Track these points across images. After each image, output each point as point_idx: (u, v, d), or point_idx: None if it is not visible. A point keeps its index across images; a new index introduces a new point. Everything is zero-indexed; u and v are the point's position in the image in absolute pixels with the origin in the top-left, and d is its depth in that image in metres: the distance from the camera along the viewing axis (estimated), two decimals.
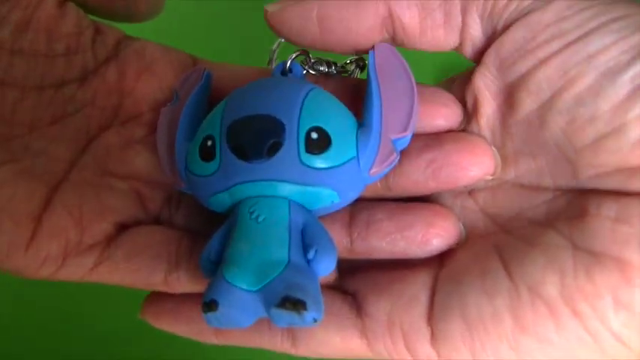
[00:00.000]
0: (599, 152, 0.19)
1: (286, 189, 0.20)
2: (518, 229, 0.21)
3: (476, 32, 0.21)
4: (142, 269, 0.22)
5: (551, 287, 0.19)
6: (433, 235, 0.22)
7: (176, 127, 0.23)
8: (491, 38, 0.21)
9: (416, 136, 0.22)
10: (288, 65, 0.24)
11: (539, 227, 0.21)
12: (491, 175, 0.22)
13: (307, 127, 0.20)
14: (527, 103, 0.20)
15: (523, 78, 0.20)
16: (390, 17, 0.21)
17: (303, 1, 0.21)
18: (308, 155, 0.20)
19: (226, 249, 0.20)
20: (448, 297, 0.20)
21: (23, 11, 0.23)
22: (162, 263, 0.22)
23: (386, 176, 0.22)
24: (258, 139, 0.20)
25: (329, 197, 0.20)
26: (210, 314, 0.18)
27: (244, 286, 0.18)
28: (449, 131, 0.22)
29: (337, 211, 0.22)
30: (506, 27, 0.20)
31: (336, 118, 0.21)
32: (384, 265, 0.23)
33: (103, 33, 0.25)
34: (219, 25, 0.49)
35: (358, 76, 0.25)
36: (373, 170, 0.21)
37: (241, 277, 0.19)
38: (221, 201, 0.21)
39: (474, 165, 0.21)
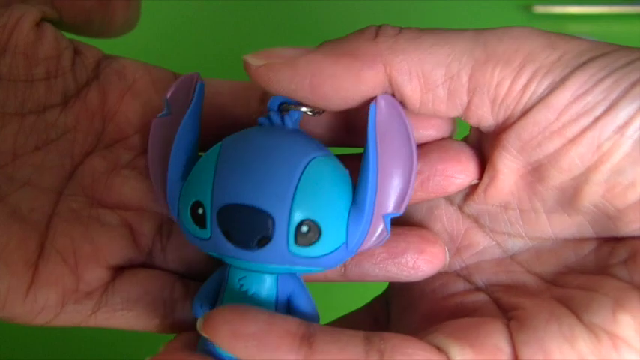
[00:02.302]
0: None
1: (274, 270, 0.20)
2: (572, 281, 0.21)
3: (485, 114, 0.20)
4: (140, 316, 0.23)
5: (626, 328, 0.19)
6: (423, 261, 0.22)
7: (170, 145, 0.22)
8: (506, 122, 0.20)
9: None
10: (281, 118, 0.22)
11: (593, 276, 0.20)
12: (478, 180, 0.22)
13: (298, 221, 0.19)
14: (559, 178, 0.20)
15: (552, 157, 0.20)
16: (390, 86, 0.20)
17: (293, 63, 0.20)
18: (297, 247, 0.20)
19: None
20: (528, 346, 0.19)
21: None
22: (158, 309, 0.23)
23: None
24: (247, 231, 0.19)
25: (314, 270, 0.21)
26: None
27: (228, 356, 0.19)
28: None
29: None
30: (525, 112, 0.20)
31: (329, 203, 0.20)
32: (449, 313, 0.22)
33: (82, 54, 0.25)
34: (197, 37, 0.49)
35: None
36: (361, 248, 0.21)
37: None
38: (212, 255, 0.21)
39: (460, 173, 0.22)
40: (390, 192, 0.20)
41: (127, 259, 0.23)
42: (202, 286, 0.22)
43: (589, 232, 0.21)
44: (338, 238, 0.20)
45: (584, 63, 0.19)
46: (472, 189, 0.23)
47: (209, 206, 0.20)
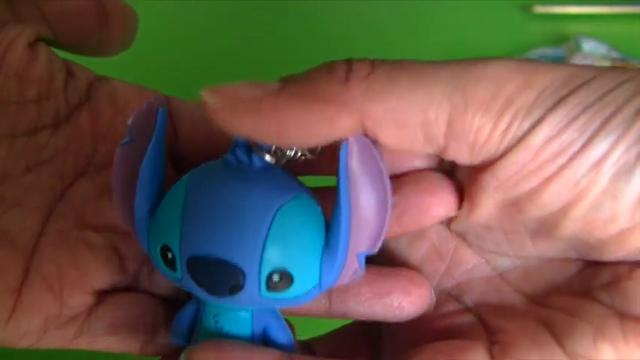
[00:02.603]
0: (623, 244, 0.19)
1: (249, 308, 0.21)
2: (557, 302, 0.21)
3: (463, 156, 0.20)
4: (122, 340, 0.23)
5: (607, 356, 0.19)
6: (408, 302, 0.22)
7: (135, 173, 0.21)
8: (484, 163, 0.20)
9: None
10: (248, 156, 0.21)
11: (577, 298, 0.21)
12: (455, 211, 0.22)
13: (268, 271, 0.19)
14: (538, 213, 0.20)
15: (529, 195, 0.20)
16: (364, 130, 0.19)
17: (257, 108, 0.19)
18: (269, 292, 0.20)
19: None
20: None
21: None
22: (140, 333, 0.23)
23: None
24: (217, 283, 0.19)
25: (288, 306, 0.21)
26: None
27: None
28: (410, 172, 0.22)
29: None
30: (504, 154, 0.20)
31: (300, 249, 0.20)
32: (437, 334, 0.22)
33: (75, 75, 0.25)
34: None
35: None
36: (335, 285, 0.21)
37: None
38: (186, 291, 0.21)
39: (434, 205, 0.22)
40: (364, 231, 0.20)
41: (112, 283, 0.23)
42: (177, 315, 0.22)
43: (573, 255, 0.21)
44: (310, 281, 0.20)
45: (561, 100, 0.19)
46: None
47: (177, 253, 0.20)
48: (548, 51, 0.48)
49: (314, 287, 0.20)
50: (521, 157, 0.19)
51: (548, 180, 0.19)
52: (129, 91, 0.25)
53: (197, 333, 0.21)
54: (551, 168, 0.19)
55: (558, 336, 0.20)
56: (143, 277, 0.24)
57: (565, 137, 0.19)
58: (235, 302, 0.20)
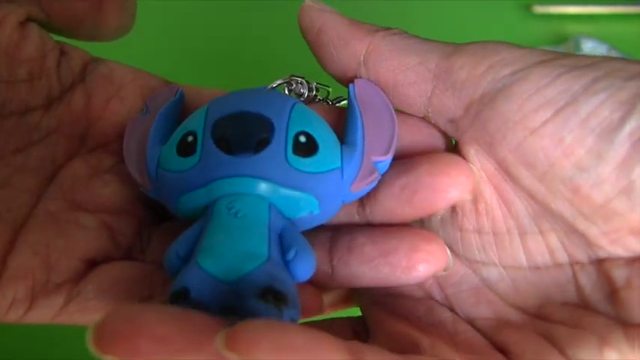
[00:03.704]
0: (609, 217, 0.19)
1: (269, 189, 0.19)
2: (554, 314, 0.20)
3: (447, 102, 0.21)
4: (114, 305, 0.21)
5: None
6: (418, 260, 0.21)
7: (147, 134, 0.22)
8: (469, 112, 0.21)
9: (392, 163, 0.22)
10: (270, 88, 0.23)
11: (576, 309, 0.20)
12: (468, 194, 0.21)
13: (296, 130, 0.20)
14: (527, 177, 0.20)
15: (517, 150, 0.20)
16: (367, 61, 0.22)
17: (321, 12, 0.22)
18: (295, 157, 0.20)
19: (200, 242, 0.19)
20: None
21: None
22: (134, 298, 0.21)
23: (362, 205, 0.22)
24: (246, 133, 0.19)
25: (309, 205, 0.20)
26: (178, 304, 0.17)
27: (220, 276, 0.17)
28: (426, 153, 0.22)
29: (317, 235, 0.22)
30: (484, 97, 0.20)
31: (322, 129, 0.21)
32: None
33: (68, 55, 0.24)
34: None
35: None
36: (355, 185, 0.21)
37: (218, 265, 0.17)
38: (194, 200, 0.20)
39: (449, 186, 0.21)
40: (377, 139, 0.21)
41: (105, 253, 0.22)
42: (178, 237, 0.20)
43: (563, 256, 0.21)
44: (333, 159, 0.20)
45: (545, 61, 0.20)
46: (450, 210, 0.22)
47: (201, 127, 0.20)
48: None
49: (336, 169, 0.20)
50: (505, 107, 0.20)
51: (533, 132, 0.19)
52: (125, 73, 0.25)
53: (205, 235, 0.19)
54: (537, 119, 0.19)
55: (562, 348, 0.19)
56: (136, 255, 0.23)
57: (550, 91, 0.19)
58: (259, 168, 0.19)
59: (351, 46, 0.22)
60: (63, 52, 0.24)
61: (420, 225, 0.23)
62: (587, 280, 0.20)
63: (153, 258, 0.23)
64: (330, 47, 0.22)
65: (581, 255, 0.20)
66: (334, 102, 0.25)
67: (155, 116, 0.23)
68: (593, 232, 0.19)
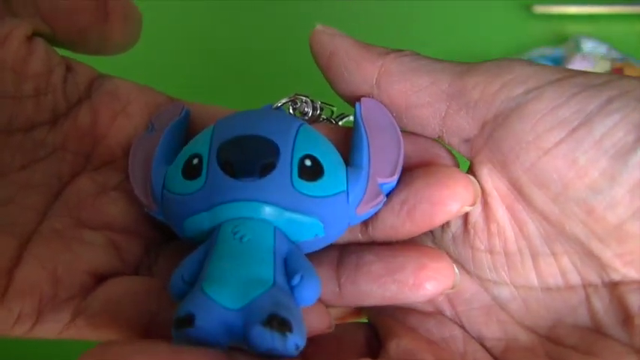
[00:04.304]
0: (623, 239, 0.19)
1: (274, 213, 0.19)
2: (566, 337, 0.20)
3: (461, 122, 0.21)
4: (123, 321, 0.21)
5: None
6: (425, 277, 0.21)
7: (152, 153, 0.22)
8: (483, 132, 0.21)
9: None
10: (275, 107, 0.23)
11: (589, 334, 0.20)
12: (471, 206, 0.21)
13: (302, 154, 0.20)
14: (541, 198, 0.20)
15: (531, 171, 0.20)
16: (379, 84, 0.22)
17: (332, 36, 0.22)
18: (300, 181, 0.20)
19: (205, 267, 0.19)
20: None
21: None
22: (143, 314, 0.21)
23: (365, 225, 0.22)
24: (251, 157, 0.19)
25: (314, 229, 0.20)
26: (183, 330, 0.17)
27: (225, 303, 0.17)
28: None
29: (324, 254, 0.22)
30: (498, 116, 0.20)
31: (327, 151, 0.21)
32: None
33: (74, 71, 0.24)
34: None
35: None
36: (360, 208, 0.21)
37: (223, 292, 0.17)
38: (198, 223, 0.20)
39: (448, 199, 0.20)
40: (383, 160, 0.21)
41: (112, 269, 0.22)
42: (183, 261, 0.20)
43: (576, 278, 0.20)
44: (339, 182, 0.21)
45: (559, 79, 0.20)
46: (462, 229, 0.22)
47: (207, 151, 0.20)
48: (548, 51, 0.48)
49: (341, 192, 0.20)
50: (519, 127, 0.20)
51: (547, 152, 0.19)
52: (131, 90, 0.24)
53: (210, 259, 0.19)
54: (550, 139, 0.19)
55: None
56: (144, 270, 0.23)
57: (564, 112, 0.19)
58: (264, 193, 0.19)
59: (362, 69, 0.22)
60: (69, 67, 0.24)
61: (432, 242, 0.23)
62: (601, 304, 0.20)
63: (160, 276, 0.23)
64: (342, 70, 0.22)
65: (595, 277, 0.20)
66: (337, 119, 0.25)
67: (160, 135, 0.23)
68: (606, 254, 0.19)
